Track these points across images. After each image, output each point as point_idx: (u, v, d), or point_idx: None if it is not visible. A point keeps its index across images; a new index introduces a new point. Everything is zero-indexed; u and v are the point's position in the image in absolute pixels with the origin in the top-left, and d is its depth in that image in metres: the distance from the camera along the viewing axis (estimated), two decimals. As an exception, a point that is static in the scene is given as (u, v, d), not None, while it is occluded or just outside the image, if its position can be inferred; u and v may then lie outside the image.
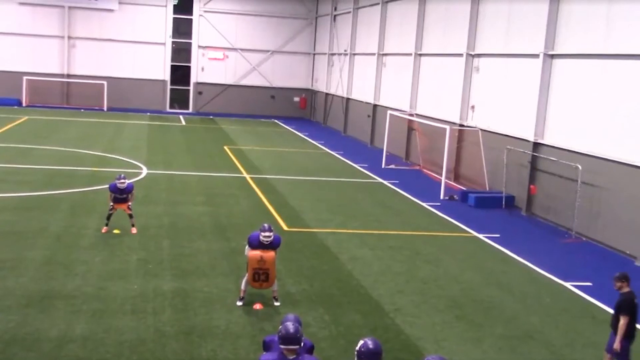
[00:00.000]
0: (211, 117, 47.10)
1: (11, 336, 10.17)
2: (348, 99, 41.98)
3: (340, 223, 18.69)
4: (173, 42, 48.50)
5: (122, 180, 16.02)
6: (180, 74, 48.95)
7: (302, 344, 6.67)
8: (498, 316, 12.46)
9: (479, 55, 26.20)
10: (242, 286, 12.09)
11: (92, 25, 46.71)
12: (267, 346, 7.12)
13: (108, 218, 16.13)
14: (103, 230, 16.05)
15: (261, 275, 11.74)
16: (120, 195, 16.08)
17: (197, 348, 10.20)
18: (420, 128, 30.24)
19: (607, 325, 12.30)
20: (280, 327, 6.72)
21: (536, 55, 21.73)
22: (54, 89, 46.57)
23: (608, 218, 18.28)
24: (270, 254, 11.78)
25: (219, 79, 49.33)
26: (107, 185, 16.81)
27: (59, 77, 46.64)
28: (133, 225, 16.24)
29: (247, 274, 11.98)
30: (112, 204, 16.11)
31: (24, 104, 45.30)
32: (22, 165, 24.09)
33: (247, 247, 12.06)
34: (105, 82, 46.34)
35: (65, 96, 46.99)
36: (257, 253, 11.71)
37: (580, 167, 19.00)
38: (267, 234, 11.74)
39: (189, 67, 49.00)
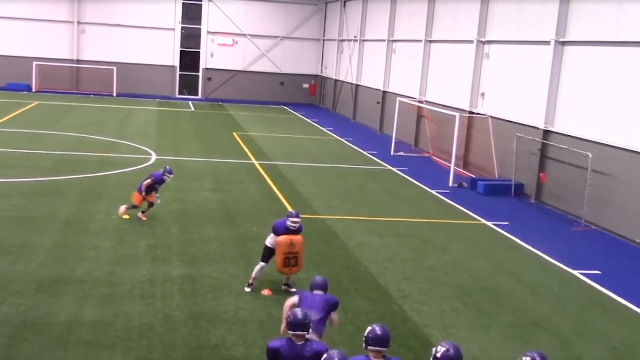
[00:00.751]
0: (220, 103, 47.08)
1: (21, 320, 10.24)
2: (357, 86, 41.86)
3: (348, 210, 18.69)
4: (182, 28, 48.44)
5: (171, 176, 16.04)
6: (190, 59, 48.90)
7: (310, 330, 6.70)
8: (506, 304, 12.45)
9: (490, 42, 26.04)
10: (254, 274, 12.11)
11: (102, 11, 46.68)
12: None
13: (133, 207, 16.01)
14: (120, 211, 15.99)
15: (291, 259, 11.80)
16: (159, 185, 16.02)
17: (205, 333, 10.24)
18: (430, 115, 30.13)
19: (616, 314, 12.31)
20: (289, 312, 6.75)
21: (547, 42, 21.57)
22: (63, 75, 46.64)
23: (618, 206, 18.20)
24: (299, 237, 11.89)
25: (228, 64, 49.26)
26: (149, 173, 16.44)
27: (68, 62, 46.69)
28: (143, 212, 16.22)
29: (261, 262, 12.03)
30: (144, 193, 15.89)
31: (33, 90, 45.41)
32: (31, 151, 24.17)
33: (270, 235, 12.03)
34: (114, 68, 46.37)
35: (75, 82, 47.07)
36: (286, 237, 11.75)
37: (590, 155, 18.90)
38: (295, 219, 11.82)
39: (198, 53, 48.95)
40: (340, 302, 11.76)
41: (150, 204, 16.14)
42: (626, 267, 15.55)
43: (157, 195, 16.24)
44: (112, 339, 9.83)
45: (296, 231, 11.89)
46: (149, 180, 15.89)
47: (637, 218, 17.41)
